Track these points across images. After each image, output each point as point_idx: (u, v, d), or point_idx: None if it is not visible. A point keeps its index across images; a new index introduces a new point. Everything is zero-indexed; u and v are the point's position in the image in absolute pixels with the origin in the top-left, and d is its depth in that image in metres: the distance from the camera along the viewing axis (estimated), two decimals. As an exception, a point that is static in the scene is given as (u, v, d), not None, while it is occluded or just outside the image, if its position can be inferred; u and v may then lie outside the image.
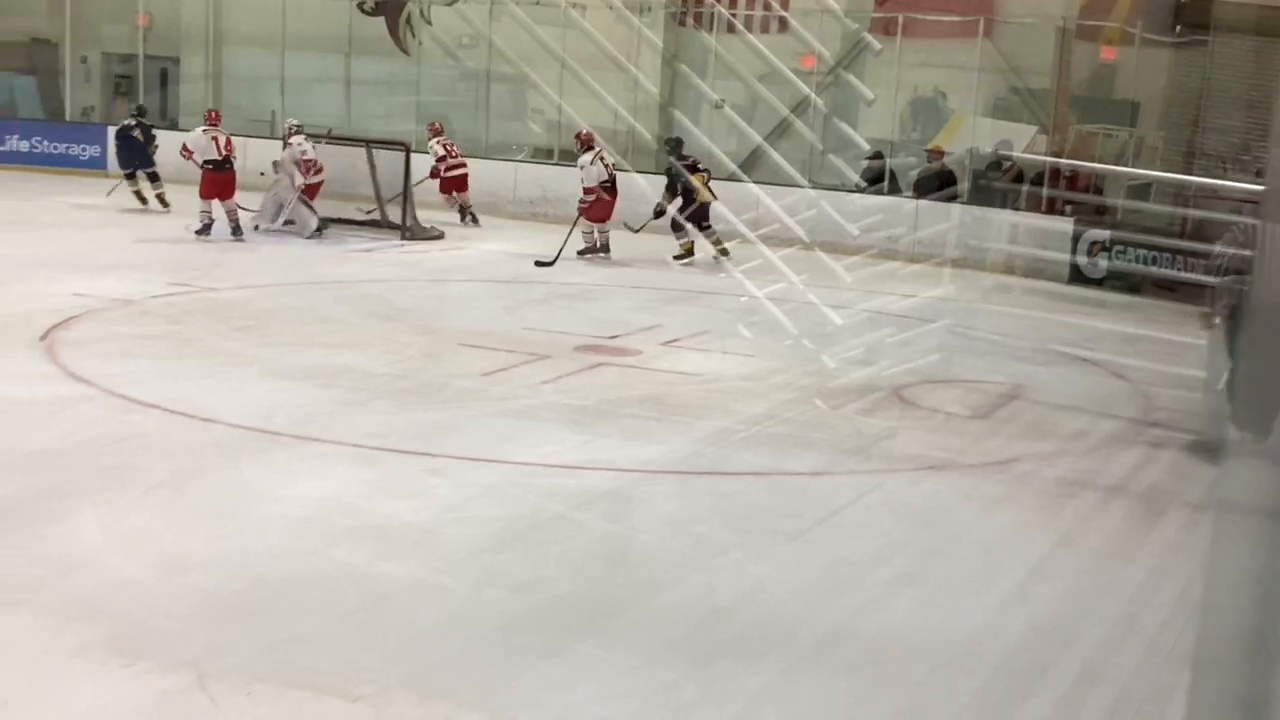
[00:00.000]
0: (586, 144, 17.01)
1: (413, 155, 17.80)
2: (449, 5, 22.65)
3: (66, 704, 4.86)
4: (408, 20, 23.15)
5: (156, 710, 4.84)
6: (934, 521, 7.56)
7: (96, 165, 21.87)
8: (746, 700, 5.22)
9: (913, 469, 8.55)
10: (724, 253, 16.52)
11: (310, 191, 17.01)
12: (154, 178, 18.33)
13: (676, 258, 16.56)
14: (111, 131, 21.94)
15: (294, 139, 17.17)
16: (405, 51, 23.05)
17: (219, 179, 16.26)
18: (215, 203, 16.11)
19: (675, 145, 17.21)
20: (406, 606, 5.91)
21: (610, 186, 16.61)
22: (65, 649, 5.24)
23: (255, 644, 5.41)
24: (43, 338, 10.38)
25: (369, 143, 18.23)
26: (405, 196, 17.49)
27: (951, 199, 18.25)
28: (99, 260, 14.34)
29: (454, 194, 19.29)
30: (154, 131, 18.72)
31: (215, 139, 16.46)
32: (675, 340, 12.01)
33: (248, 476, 7.55)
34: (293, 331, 11.52)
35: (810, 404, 9.96)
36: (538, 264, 15.55)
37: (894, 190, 18.99)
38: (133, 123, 18.47)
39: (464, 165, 19.32)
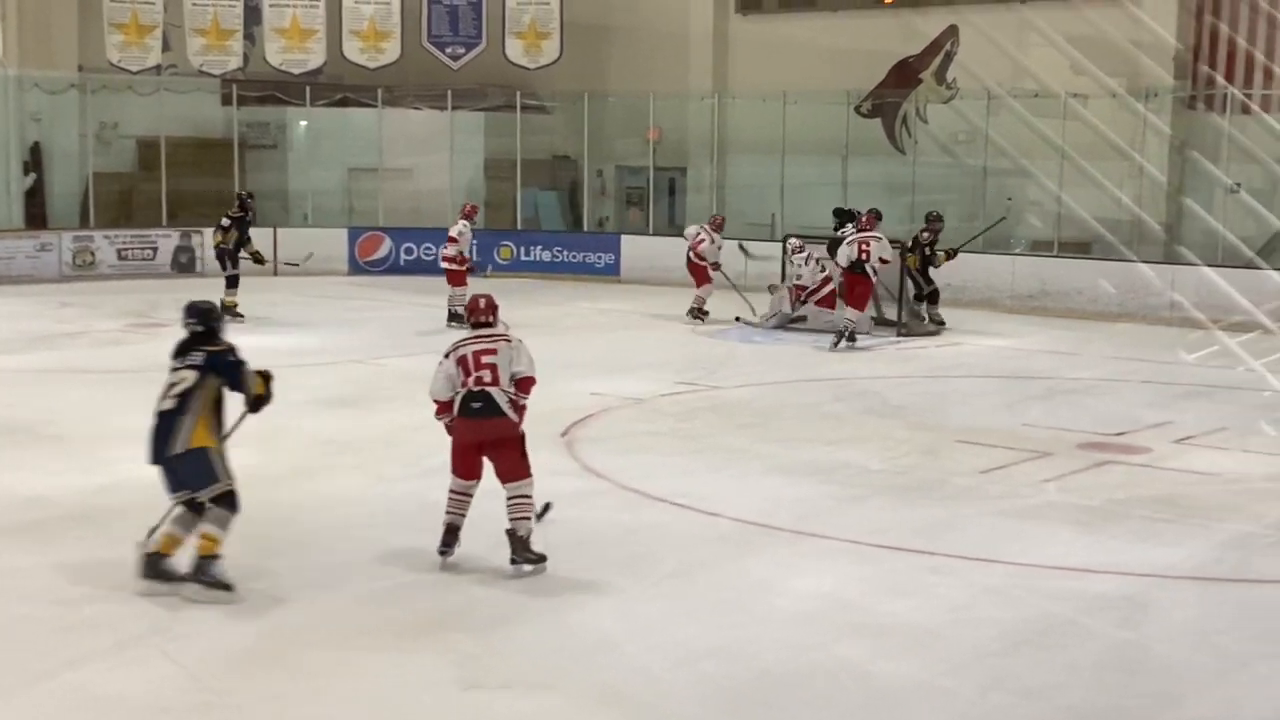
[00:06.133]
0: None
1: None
2: (945, 103, 22.69)
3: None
4: (904, 120, 23.38)
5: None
6: None
7: (610, 272, 23.27)
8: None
9: None
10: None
11: (827, 302, 17.28)
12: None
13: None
14: (624, 240, 23.46)
15: (796, 257, 17.49)
16: (901, 151, 23.25)
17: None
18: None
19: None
20: (910, 708, 5.85)
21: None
22: (587, 731, 5.53)
23: (762, 736, 5.51)
24: (563, 434, 11.08)
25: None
26: (900, 293, 17.54)
27: None
28: (614, 361, 15.19)
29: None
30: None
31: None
32: (1189, 437, 11.36)
33: (752, 570, 7.74)
34: (793, 428, 11.75)
35: (1347, 508, 9.16)
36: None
37: None
38: None
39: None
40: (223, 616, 6.81)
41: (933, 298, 17.78)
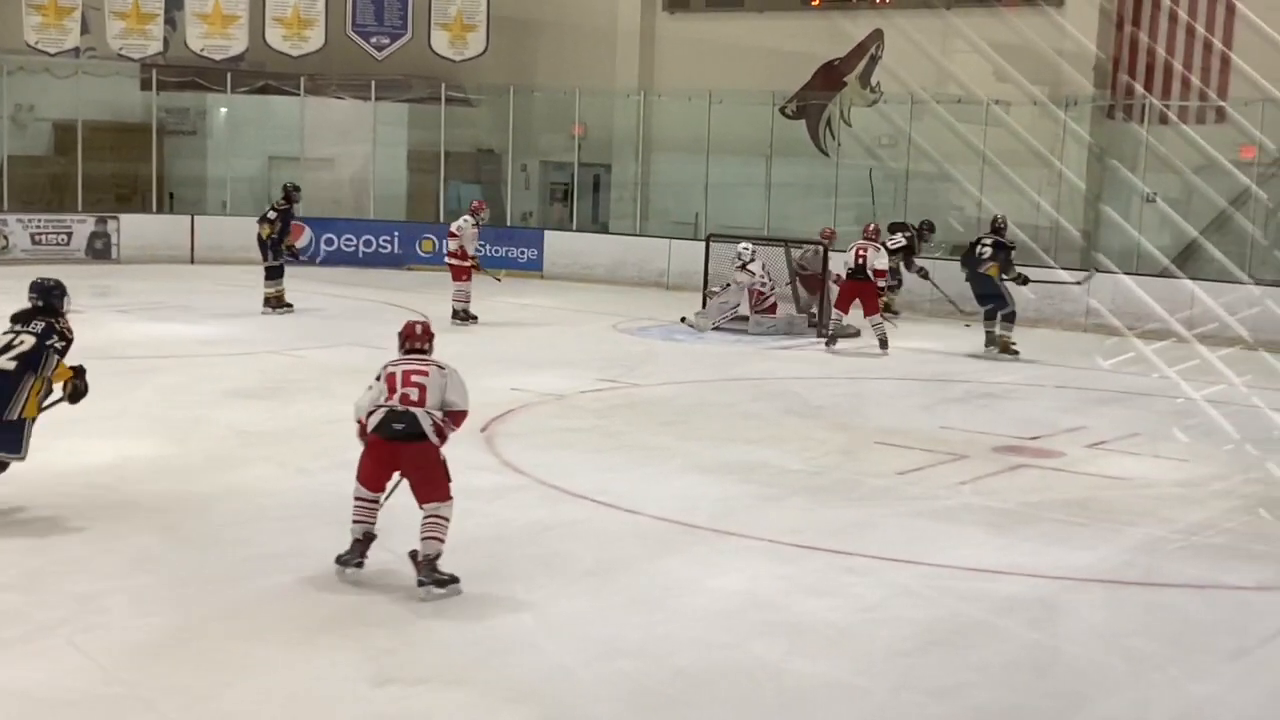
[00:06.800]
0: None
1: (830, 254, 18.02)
2: (869, 106, 22.87)
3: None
4: (828, 122, 23.53)
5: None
6: (1399, 647, 6.91)
7: (534, 267, 23.18)
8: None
9: (1372, 588, 7.86)
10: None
11: (771, 309, 17.37)
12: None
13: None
14: (548, 236, 23.38)
15: (752, 265, 17.31)
16: (825, 153, 23.40)
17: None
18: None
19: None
20: (823, 706, 5.88)
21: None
22: (500, 727, 5.50)
23: (676, 734, 5.51)
24: (483, 429, 11.01)
25: (787, 242, 18.57)
26: (823, 294, 17.66)
27: None
28: (535, 357, 15.14)
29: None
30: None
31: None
32: (1102, 442, 11.53)
33: (670, 568, 7.74)
34: (712, 427, 11.78)
35: (1254, 514, 9.33)
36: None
37: (1345, 287, 17.68)
38: None
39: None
40: (134, 608, 6.70)
41: (995, 312, 16.10)
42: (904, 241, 18.83)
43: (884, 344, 16.08)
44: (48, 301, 8.23)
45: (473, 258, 17.47)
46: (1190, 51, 20.08)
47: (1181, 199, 20.03)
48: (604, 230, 24.81)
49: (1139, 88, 20.26)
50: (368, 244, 23.80)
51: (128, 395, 11.65)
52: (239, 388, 12.44)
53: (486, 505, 8.81)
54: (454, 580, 7.09)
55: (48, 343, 8.01)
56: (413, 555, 7.11)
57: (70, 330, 8.30)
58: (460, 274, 17.39)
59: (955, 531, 8.66)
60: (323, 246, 23.67)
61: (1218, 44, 19.70)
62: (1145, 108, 19.93)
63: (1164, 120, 19.91)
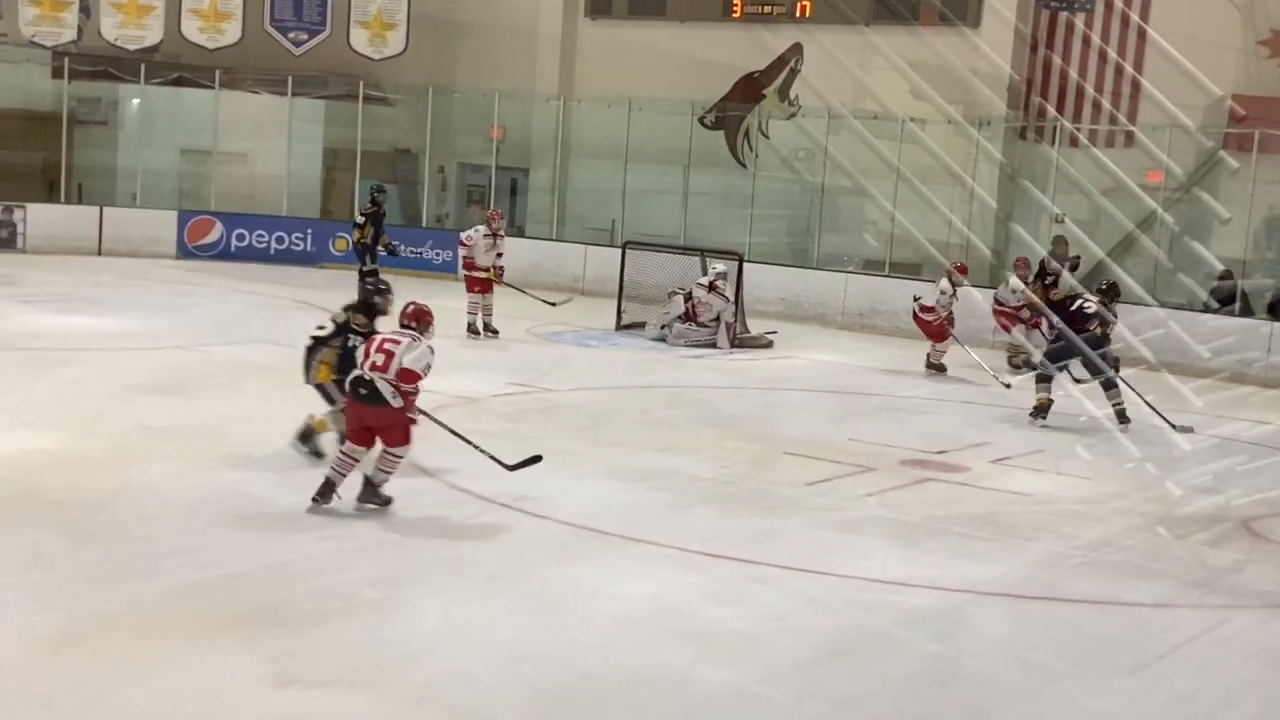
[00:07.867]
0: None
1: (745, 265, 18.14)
2: (788, 119, 23.03)
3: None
4: (746, 134, 23.66)
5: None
6: (1288, 664, 7.08)
7: (448, 269, 23.02)
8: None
9: (1263, 606, 8.05)
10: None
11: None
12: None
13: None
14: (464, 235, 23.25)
15: (720, 284, 17.20)
16: (742, 164, 23.53)
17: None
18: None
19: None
20: (728, 714, 5.91)
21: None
22: (403, 731, 5.46)
23: (580, 740, 5.50)
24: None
25: (704, 252, 18.63)
26: (738, 305, 17.74)
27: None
28: (446, 359, 14.97)
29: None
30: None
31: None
32: (1006, 458, 11.69)
33: (578, 573, 7.74)
34: (624, 433, 11.78)
35: (1152, 531, 9.51)
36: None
37: (1246, 312, 18.07)
38: None
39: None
40: (31, 603, 6.57)
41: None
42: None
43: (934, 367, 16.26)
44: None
45: (488, 269, 17.11)
46: (1102, 76, 20.45)
47: (1090, 220, 20.36)
48: (520, 234, 24.71)
49: (1051, 110, 20.58)
50: (280, 240, 23.54)
51: (30, 387, 11.43)
52: (145, 382, 12.24)
53: (395, 508, 8.74)
54: (389, 501, 8.55)
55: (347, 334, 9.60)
56: (367, 480, 8.49)
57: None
58: (472, 285, 17.13)
59: (861, 543, 8.74)
60: (234, 241, 23.40)
61: (1129, 69, 20.07)
62: (1056, 130, 20.24)
63: (1074, 143, 20.25)
